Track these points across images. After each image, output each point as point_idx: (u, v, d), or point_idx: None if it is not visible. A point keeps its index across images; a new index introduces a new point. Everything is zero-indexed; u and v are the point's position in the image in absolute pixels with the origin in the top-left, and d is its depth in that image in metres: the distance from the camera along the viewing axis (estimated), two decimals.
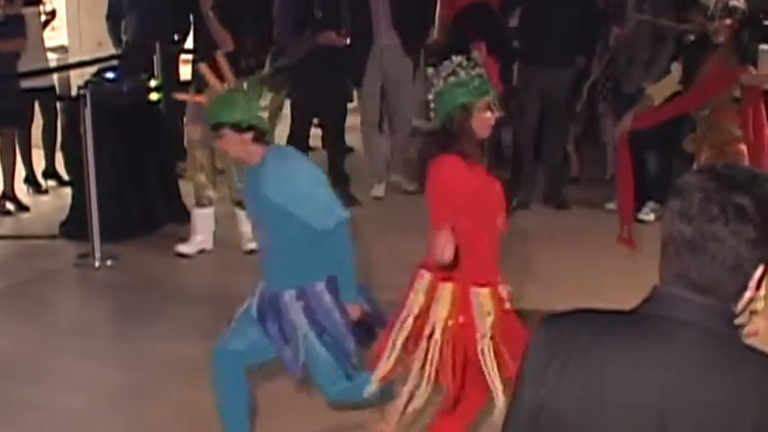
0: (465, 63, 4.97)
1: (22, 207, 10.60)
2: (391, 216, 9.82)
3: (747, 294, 2.35)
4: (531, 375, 2.44)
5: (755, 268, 2.33)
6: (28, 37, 10.61)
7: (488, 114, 4.95)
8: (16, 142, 10.57)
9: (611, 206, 9.86)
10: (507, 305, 5.12)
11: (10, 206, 10.48)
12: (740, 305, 2.37)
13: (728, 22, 7.46)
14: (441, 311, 4.98)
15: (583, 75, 10.44)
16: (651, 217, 9.17)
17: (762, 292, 2.41)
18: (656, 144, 9.03)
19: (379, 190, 10.72)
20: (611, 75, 10.15)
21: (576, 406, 2.37)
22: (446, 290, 4.99)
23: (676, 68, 7.60)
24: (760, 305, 7.27)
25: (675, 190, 2.37)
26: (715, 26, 7.55)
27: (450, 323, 4.96)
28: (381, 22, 10.23)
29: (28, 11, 10.69)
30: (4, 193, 10.55)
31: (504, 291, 5.12)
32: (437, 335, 4.96)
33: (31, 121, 11.03)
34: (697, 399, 2.28)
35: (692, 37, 8.58)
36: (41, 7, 11.19)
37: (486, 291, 5.03)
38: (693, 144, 7.43)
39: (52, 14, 11.64)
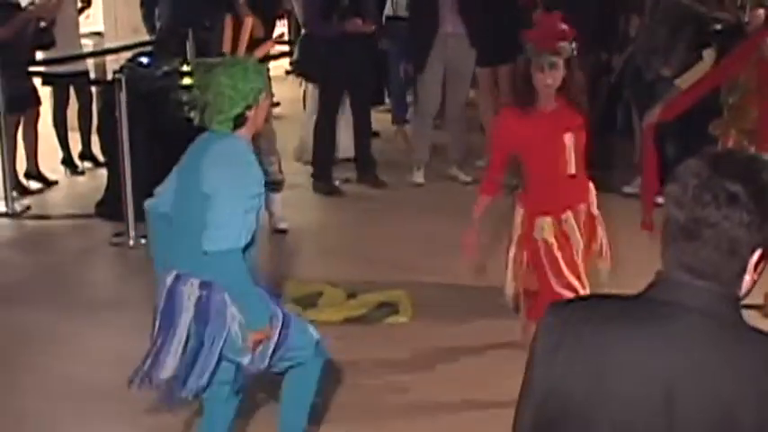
0: None
1: (48, 183, 10.65)
2: (432, 201, 9.85)
3: (747, 278, 2.34)
4: (541, 360, 2.43)
5: (752, 253, 2.31)
6: (64, 24, 10.67)
7: (540, 75, 5.61)
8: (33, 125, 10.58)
9: (627, 189, 9.85)
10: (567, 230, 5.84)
11: (35, 184, 10.52)
12: (743, 290, 2.36)
13: (761, 11, 7.38)
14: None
15: (603, 66, 10.41)
16: None
17: None
18: (678, 131, 8.97)
19: (419, 176, 10.65)
20: (631, 62, 10.09)
21: (583, 389, 2.36)
22: (517, 214, 5.99)
23: (709, 55, 7.50)
24: None
25: (673, 177, 2.36)
26: (747, 16, 7.49)
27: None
28: (447, 10, 10.07)
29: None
30: (27, 171, 10.59)
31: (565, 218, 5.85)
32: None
33: (67, 104, 11.07)
34: (702, 381, 2.26)
35: (718, 26, 8.43)
36: None
37: (548, 219, 5.82)
38: (719, 129, 7.33)
39: (88, 2, 11.65)
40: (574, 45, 5.85)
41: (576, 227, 5.89)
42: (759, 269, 2.35)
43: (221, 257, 4.34)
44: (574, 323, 2.42)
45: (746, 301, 2.39)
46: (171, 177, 4.85)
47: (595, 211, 6.07)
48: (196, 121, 4.64)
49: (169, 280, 4.55)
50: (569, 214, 5.88)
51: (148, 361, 4.63)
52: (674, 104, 7.21)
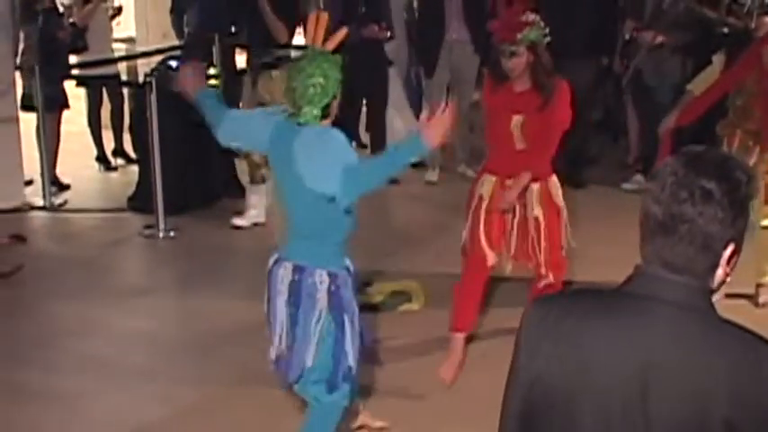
0: None
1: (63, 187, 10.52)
2: (444, 198, 9.84)
3: (720, 272, 2.34)
4: (526, 352, 2.43)
5: (725, 248, 2.31)
6: (96, 30, 10.73)
7: (503, 60, 5.82)
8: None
9: (626, 186, 9.86)
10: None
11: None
12: (716, 283, 2.36)
13: (767, 19, 7.33)
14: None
15: (604, 69, 10.39)
16: None
17: None
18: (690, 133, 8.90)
19: (432, 175, 10.65)
20: (632, 67, 10.06)
21: (565, 379, 2.36)
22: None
23: (719, 60, 7.45)
24: (765, 279, 7.28)
25: (653, 175, 2.37)
26: (754, 22, 7.44)
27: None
28: (453, 18, 10.08)
29: (89, 7, 10.80)
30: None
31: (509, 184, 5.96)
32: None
33: (101, 105, 11.11)
34: (676, 372, 2.25)
35: (725, 30, 8.35)
36: (109, 3, 11.26)
37: (491, 177, 6.05)
38: (725, 130, 7.29)
39: (119, 10, 11.68)
40: (544, 30, 5.93)
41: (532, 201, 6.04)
42: (731, 263, 2.35)
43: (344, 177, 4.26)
44: (555, 316, 2.42)
45: (738, 291, 2.40)
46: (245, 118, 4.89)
47: (557, 201, 6.11)
48: (287, 113, 4.54)
49: (270, 262, 4.57)
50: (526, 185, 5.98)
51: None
52: (690, 110, 7.18)
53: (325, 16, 4.75)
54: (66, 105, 10.57)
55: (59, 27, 10.31)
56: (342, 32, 4.74)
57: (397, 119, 11.05)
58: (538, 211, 6.05)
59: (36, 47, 10.04)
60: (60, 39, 10.28)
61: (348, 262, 4.64)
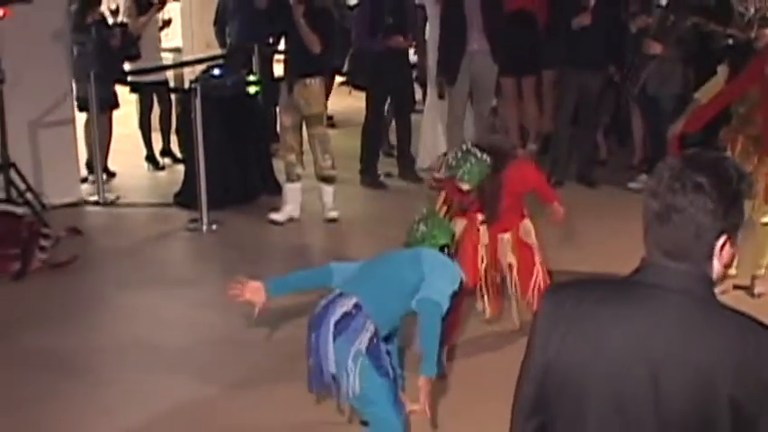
0: None
1: (111, 174, 10.69)
2: None
3: (715, 264, 2.33)
4: (540, 339, 2.42)
5: (717, 238, 2.31)
6: (147, 40, 10.77)
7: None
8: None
9: (632, 185, 9.81)
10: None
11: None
12: (715, 275, 2.36)
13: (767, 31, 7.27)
14: None
15: (611, 79, 10.34)
16: None
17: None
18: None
19: None
20: (637, 77, 9.99)
21: (577, 364, 2.36)
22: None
23: (722, 71, 7.42)
24: (760, 271, 7.23)
25: (653, 172, 2.37)
26: (754, 33, 7.38)
27: None
28: (474, 30, 10.04)
29: (142, 20, 10.83)
30: (89, 162, 10.55)
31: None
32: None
33: (151, 109, 11.14)
34: (682, 355, 2.24)
35: (730, 41, 8.27)
36: (159, 15, 11.28)
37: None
38: (728, 135, 7.25)
39: (168, 22, 11.70)
40: (486, 165, 5.80)
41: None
42: (726, 255, 2.34)
43: (433, 307, 4.45)
44: (568, 305, 2.41)
45: (735, 282, 2.38)
46: (354, 263, 4.85)
47: (530, 241, 6.18)
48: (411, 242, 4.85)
49: (327, 299, 4.56)
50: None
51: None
52: (696, 118, 7.17)
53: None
54: (117, 105, 10.65)
55: (111, 37, 10.36)
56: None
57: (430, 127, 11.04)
58: (511, 258, 6.09)
59: (92, 55, 10.09)
60: (112, 47, 10.33)
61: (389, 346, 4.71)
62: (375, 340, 4.52)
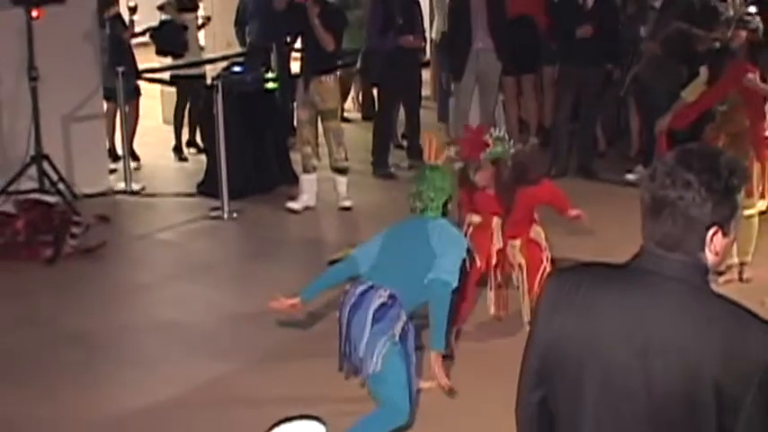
0: None
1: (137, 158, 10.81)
2: None
3: (709, 256, 2.33)
4: (542, 318, 2.47)
5: (707, 230, 2.31)
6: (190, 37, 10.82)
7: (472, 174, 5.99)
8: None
9: (629, 177, 9.77)
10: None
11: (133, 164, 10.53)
12: (710, 264, 2.36)
13: (743, 33, 7.26)
14: None
15: (609, 75, 10.31)
16: None
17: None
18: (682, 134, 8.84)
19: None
20: (637, 79, 9.97)
21: (576, 342, 2.37)
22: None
23: (704, 72, 7.44)
24: (748, 258, 7.22)
25: (649, 168, 2.37)
26: (731, 34, 7.37)
27: None
28: (479, 29, 10.01)
29: (188, 16, 10.86)
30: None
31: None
32: None
33: (187, 102, 11.10)
34: (672, 338, 2.25)
35: (717, 44, 8.27)
36: (198, 13, 11.30)
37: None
38: (711, 133, 7.24)
39: (208, 19, 11.68)
40: (510, 144, 5.97)
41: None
42: (718, 246, 2.33)
43: (442, 286, 4.58)
44: (569, 287, 2.42)
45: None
46: (373, 245, 4.91)
47: (540, 241, 6.20)
48: (417, 211, 4.93)
49: (361, 288, 4.63)
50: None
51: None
52: (682, 116, 7.24)
53: (436, 137, 5.10)
54: (139, 93, 10.75)
55: (124, 32, 10.45)
56: (444, 153, 5.18)
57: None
58: (521, 260, 6.10)
59: (107, 48, 10.17)
60: (125, 41, 10.42)
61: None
62: (406, 328, 4.64)
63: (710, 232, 2.30)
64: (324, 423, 4.05)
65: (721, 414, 2.23)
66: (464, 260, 4.76)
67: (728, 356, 2.22)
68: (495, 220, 6.08)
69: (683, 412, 2.25)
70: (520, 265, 6.17)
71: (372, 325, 4.54)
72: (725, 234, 2.32)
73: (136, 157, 10.75)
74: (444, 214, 4.92)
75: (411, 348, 4.74)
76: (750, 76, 6.95)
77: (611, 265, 2.47)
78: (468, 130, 6.24)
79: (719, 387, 2.21)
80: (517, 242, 6.14)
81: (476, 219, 6.07)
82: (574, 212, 6.22)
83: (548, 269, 6.07)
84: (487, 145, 5.86)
